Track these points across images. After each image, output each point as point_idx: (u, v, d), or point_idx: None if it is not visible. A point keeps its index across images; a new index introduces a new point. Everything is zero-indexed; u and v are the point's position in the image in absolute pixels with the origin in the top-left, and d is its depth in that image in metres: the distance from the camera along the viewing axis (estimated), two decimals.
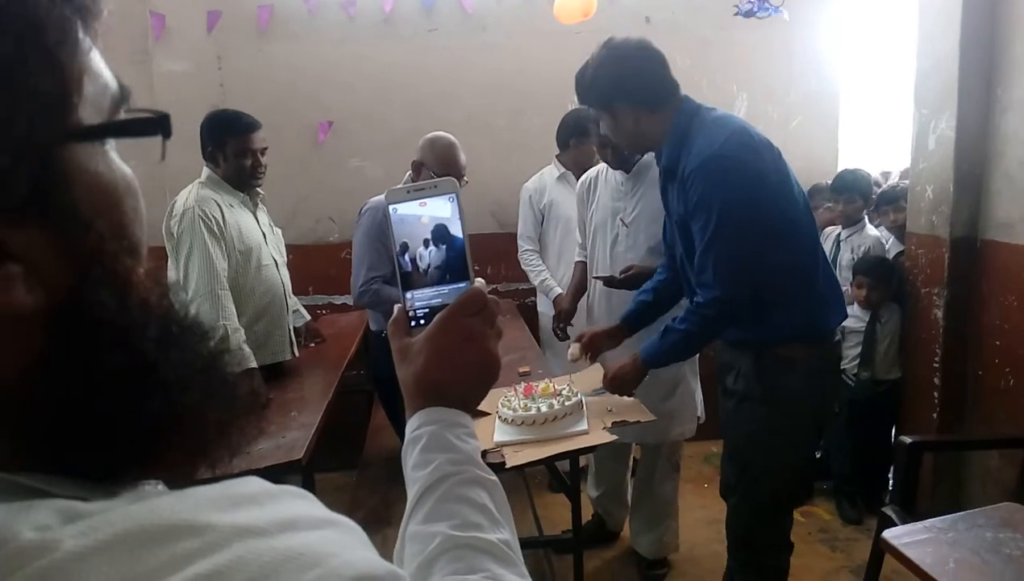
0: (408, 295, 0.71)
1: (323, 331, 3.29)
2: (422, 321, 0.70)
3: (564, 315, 3.09)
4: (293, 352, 2.79)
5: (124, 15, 3.68)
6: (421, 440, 0.64)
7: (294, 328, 2.93)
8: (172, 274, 2.48)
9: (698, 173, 1.89)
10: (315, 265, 3.81)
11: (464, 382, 0.67)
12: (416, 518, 0.60)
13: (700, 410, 2.83)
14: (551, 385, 2.18)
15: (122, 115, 0.41)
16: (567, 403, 2.08)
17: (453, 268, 0.70)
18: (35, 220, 0.35)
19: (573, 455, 2.08)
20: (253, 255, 2.63)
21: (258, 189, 2.76)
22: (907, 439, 2.45)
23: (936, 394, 2.99)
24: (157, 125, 0.42)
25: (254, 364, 2.43)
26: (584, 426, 2.05)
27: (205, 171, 2.64)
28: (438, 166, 2.54)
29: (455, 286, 0.70)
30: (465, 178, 2.56)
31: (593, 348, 2.34)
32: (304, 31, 3.86)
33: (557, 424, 2.04)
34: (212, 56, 3.81)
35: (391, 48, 3.91)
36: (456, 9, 3.93)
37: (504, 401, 2.12)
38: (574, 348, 2.35)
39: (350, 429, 3.28)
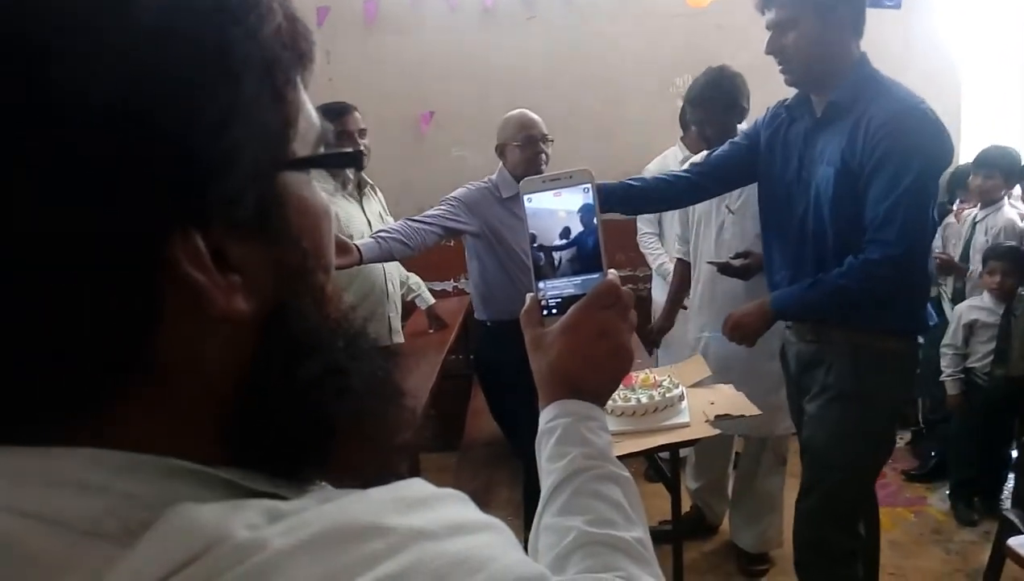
0: (541, 285, 0.71)
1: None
2: (554, 310, 0.71)
3: (659, 332, 2.99)
4: (392, 339, 2.86)
5: None
6: (556, 432, 0.65)
7: (423, 310, 3.00)
8: None
9: (900, 121, 1.78)
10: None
11: (597, 375, 0.68)
12: (551, 510, 0.62)
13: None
14: (651, 375, 2.18)
15: (321, 150, 0.46)
16: (668, 394, 2.07)
17: (586, 259, 0.70)
18: (255, 236, 0.39)
19: (673, 448, 2.08)
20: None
21: (366, 178, 2.85)
22: None
23: None
24: (352, 159, 0.48)
25: None
26: (686, 418, 2.04)
27: None
28: (517, 134, 2.59)
29: (588, 277, 0.70)
30: (551, 138, 2.59)
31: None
32: (408, 24, 3.95)
33: (658, 415, 2.04)
34: (322, 51, 3.91)
35: (491, 38, 3.95)
36: None
37: None
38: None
39: (451, 412, 3.37)
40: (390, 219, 3.01)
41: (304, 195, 0.43)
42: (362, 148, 2.75)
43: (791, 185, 2.00)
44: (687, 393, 2.15)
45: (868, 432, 1.94)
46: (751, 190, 2.56)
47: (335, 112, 2.72)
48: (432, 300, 3.27)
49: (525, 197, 0.71)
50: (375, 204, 2.92)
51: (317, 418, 0.41)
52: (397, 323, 2.90)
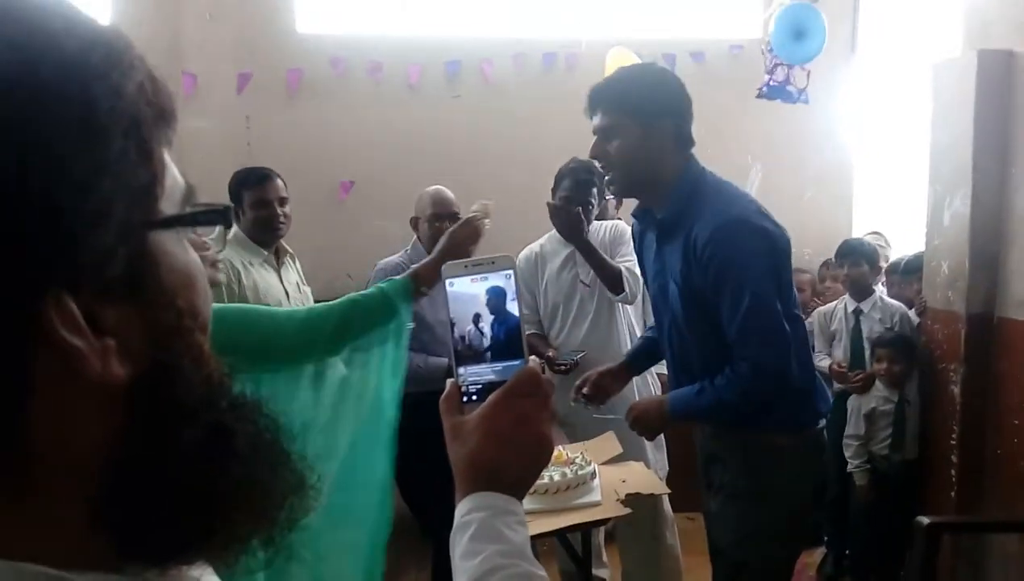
0: (461, 371, 0.71)
1: None
2: (475, 397, 0.70)
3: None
4: None
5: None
6: (471, 527, 0.64)
7: None
8: None
9: (721, 239, 1.73)
10: None
11: (517, 465, 0.67)
12: None
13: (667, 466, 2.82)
14: (564, 453, 2.17)
15: (188, 209, 0.45)
16: (580, 472, 2.07)
17: (507, 346, 0.70)
18: (127, 297, 0.38)
19: (586, 527, 2.06)
20: None
21: (285, 246, 2.80)
22: (925, 520, 2.40)
23: (954, 472, 2.94)
24: (221, 216, 0.47)
25: None
26: (597, 497, 2.04)
27: (233, 229, 2.68)
28: (427, 211, 2.64)
29: (509, 363, 0.70)
30: (460, 214, 2.62)
31: (599, 393, 2.16)
32: (331, 94, 3.98)
33: (570, 494, 2.03)
34: (241, 116, 3.92)
35: (415, 113, 4.01)
36: (478, 77, 4.05)
37: None
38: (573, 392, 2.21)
39: None
40: (307, 289, 2.95)
41: (176, 254, 0.42)
42: (281, 216, 2.71)
43: (656, 295, 2.02)
44: (599, 471, 2.15)
45: (771, 531, 1.88)
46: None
47: (256, 178, 2.68)
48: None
49: (447, 281, 0.71)
50: (292, 273, 2.86)
51: (198, 488, 0.39)
52: None
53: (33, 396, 0.35)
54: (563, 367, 2.71)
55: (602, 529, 2.97)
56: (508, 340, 0.70)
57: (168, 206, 0.42)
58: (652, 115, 1.81)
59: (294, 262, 2.88)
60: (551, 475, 2.04)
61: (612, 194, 1.89)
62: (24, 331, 0.34)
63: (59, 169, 0.35)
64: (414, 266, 1.77)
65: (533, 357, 0.71)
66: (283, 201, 2.71)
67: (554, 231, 2.97)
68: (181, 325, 0.41)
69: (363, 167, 4.00)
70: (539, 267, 2.94)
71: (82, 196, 0.35)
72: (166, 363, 0.40)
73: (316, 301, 2.98)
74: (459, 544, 0.64)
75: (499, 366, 0.70)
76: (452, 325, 0.71)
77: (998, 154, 2.85)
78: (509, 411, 0.67)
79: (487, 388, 0.70)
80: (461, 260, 0.72)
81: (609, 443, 2.41)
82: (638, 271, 2.55)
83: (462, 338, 0.71)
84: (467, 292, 0.71)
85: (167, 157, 0.43)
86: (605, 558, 3.08)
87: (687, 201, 1.82)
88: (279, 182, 2.71)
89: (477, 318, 0.71)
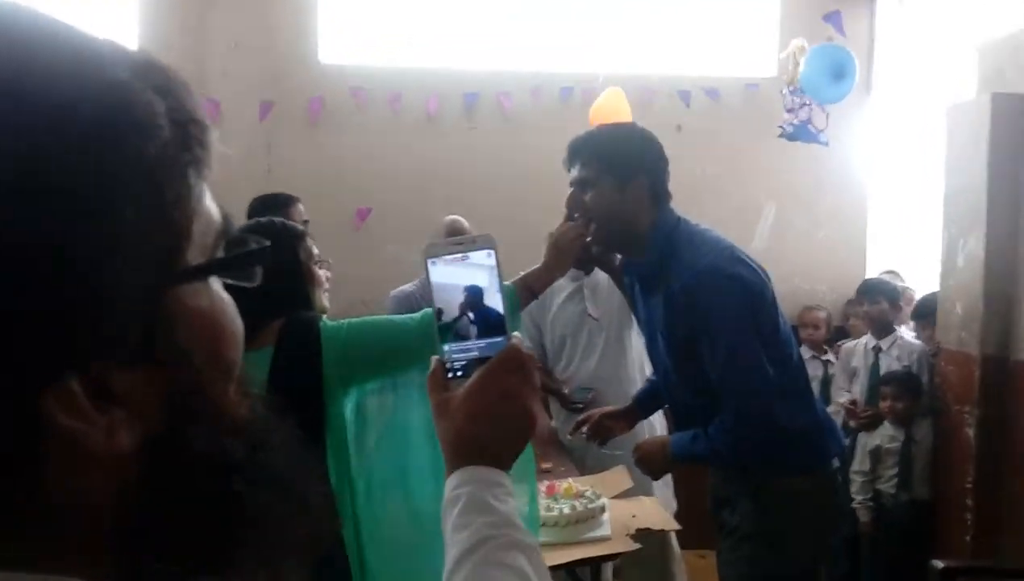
0: (446, 348, 0.72)
1: None
2: (459, 374, 0.71)
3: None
4: None
5: None
6: (460, 500, 0.65)
7: None
8: None
9: (692, 292, 1.74)
10: None
11: (503, 439, 0.69)
12: None
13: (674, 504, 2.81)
14: (574, 486, 2.17)
15: (221, 249, 0.44)
16: (590, 505, 2.06)
17: (491, 323, 0.71)
18: (140, 364, 0.37)
19: (595, 561, 2.05)
20: None
21: None
22: (940, 564, 2.37)
23: (969, 516, 2.90)
24: (255, 259, 0.45)
25: None
26: (607, 531, 2.03)
27: None
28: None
29: (493, 340, 0.71)
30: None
31: (603, 432, 2.15)
32: (351, 123, 4.05)
33: (579, 527, 2.02)
34: (263, 142, 3.99)
35: (432, 142, 4.07)
36: (496, 109, 4.10)
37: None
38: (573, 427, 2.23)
39: None
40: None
41: (199, 302, 0.41)
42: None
43: (650, 345, 2.03)
44: (609, 505, 2.14)
45: (782, 575, 1.86)
46: (612, 298, 2.77)
47: (279, 203, 2.72)
48: None
49: (429, 261, 0.71)
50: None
51: (210, 535, 0.40)
52: None
53: (43, 461, 0.35)
54: (578, 405, 2.71)
55: (611, 564, 2.94)
56: (491, 317, 0.71)
57: (196, 255, 0.40)
58: (628, 171, 1.83)
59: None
60: (561, 508, 2.03)
61: (590, 239, 1.93)
62: (24, 415, 0.34)
63: (62, 262, 0.33)
64: (523, 274, 1.76)
65: (516, 333, 0.72)
66: (305, 224, 2.75)
67: None
68: (199, 380, 0.40)
69: (380, 195, 4.04)
70: (546, 300, 2.95)
71: (87, 284, 0.34)
72: (177, 427, 0.39)
73: None
74: (450, 517, 0.65)
75: (483, 343, 0.71)
76: (434, 303, 0.72)
77: (1012, 196, 2.86)
78: (494, 387, 0.68)
79: (471, 365, 0.71)
80: (443, 240, 0.72)
81: (620, 477, 2.40)
82: None
83: (446, 315, 0.72)
84: (449, 270, 0.71)
85: (203, 201, 0.42)
86: None
87: (662, 252, 1.83)
88: (300, 207, 2.76)
89: (461, 296, 0.71)
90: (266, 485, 0.43)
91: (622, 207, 1.83)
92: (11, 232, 0.32)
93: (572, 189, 1.90)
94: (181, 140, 0.39)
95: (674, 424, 2.05)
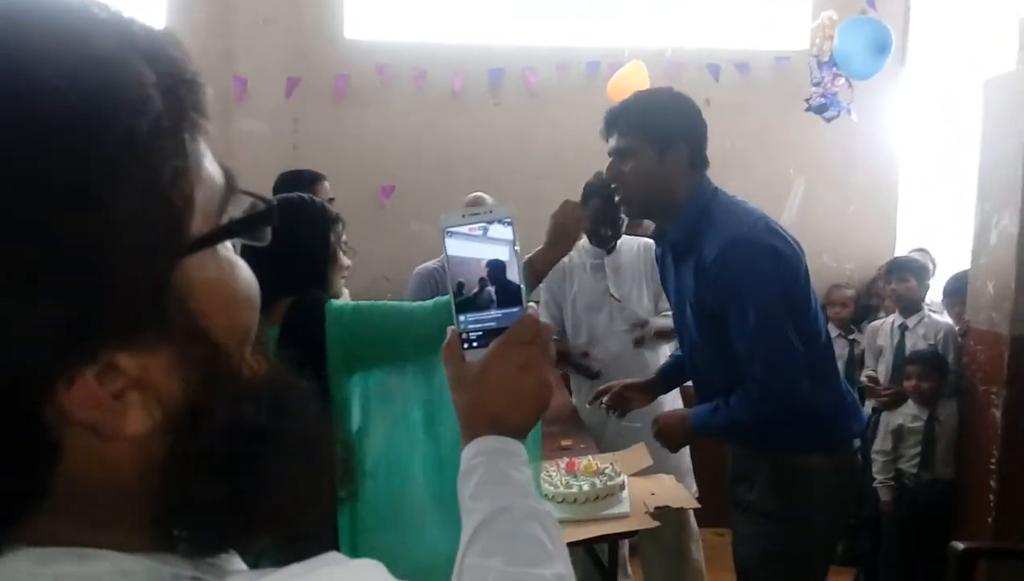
0: (462, 318, 0.72)
1: None
2: (475, 344, 0.72)
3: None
4: None
5: (209, 76, 3.89)
6: (478, 470, 0.67)
7: None
8: None
9: (726, 259, 1.73)
10: None
11: (519, 410, 0.70)
12: (473, 550, 0.63)
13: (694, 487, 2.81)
14: (594, 463, 2.18)
15: (232, 203, 0.43)
16: (609, 483, 2.07)
17: (507, 293, 0.71)
18: (152, 342, 0.37)
19: (613, 539, 2.07)
20: None
21: None
22: (960, 545, 2.36)
23: (992, 497, 2.88)
24: (263, 220, 0.44)
25: None
26: (626, 508, 2.04)
27: None
28: None
29: (509, 310, 0.71)
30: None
31: (622, 403, 2.16)
32: (376, 100, 4.05)
33: (598, 504, 2.03)
34: (289, 119, 4.02)
35: (457, 119, 4.07)
36: (521, 85, 4.08)
37: (545, 476, 2.12)
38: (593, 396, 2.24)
39: None
40: (345, 290, 3.00)
41: (209, 271, 0.40)
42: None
43: (677, 315, 2.03)
44: (628, 482, 2.16)
45: (797, 552, 1.86)
46: (633, 279, 2.82)
47: (307, 180, 2.74)
48: None
49: (445, 229, 0.71)
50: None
51: (237, 498, 0.41)
52: None
53: (62, 452, 0.36)
54: (596, 376, 2.73)
55: (627, 541, 2.97)
56: (507, 287, 0.71)
57: (201, 224, 0.39)
58: (668, 139, 1.82)
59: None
60: (580, 485, 2.05)
61: (625, 214, 1.92)
62: (36, 414, 0.35)
63: (56, 252, 0.33)
64: (527, 255, 1.72)
65: (532, 303, 0.72)
66: (331, 202, 2.77)
67: (584, 241, 2.99)
68: (216, 351, 0.40)
69: (405, 172, 4.06)
70: (567, 278, 2.94)
71: (89, 271, 0.33)
72: (200, 396, 0.40)
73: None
74: (468, 486, 0.67)
75: (499, 313, 0.71)
76: (450, 272, 0.72)
77: None
78: (510, 359, 0.69)
79: (488, 335, 0.71)
80: (459, 209, 0.72)
81: (640, 454, 2.41)
82: None
83: (462, 285, 0.72)
84: (465, 240, 0.71)
85: (203, 166, 0.40)
86: (630, 570, 3.08)
87: (697, 222, 1.82)
88: (326, 184, 2.78)
89: (478, 266, 0.71)
90: (290, 446, 0.44)
91: (661, 175, 1.83)
92: (3, 226, 0.32)
93: (611, 159, 1.89)
94: (175, 108, 0.38)
95: (696, 399, 2.04)
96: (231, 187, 0.42)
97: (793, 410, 1.78)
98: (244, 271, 0.43)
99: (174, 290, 0.37)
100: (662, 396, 2.34)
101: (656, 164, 1.82)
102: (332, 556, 0.42)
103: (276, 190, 2.79)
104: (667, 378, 2.25)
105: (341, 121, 4.05)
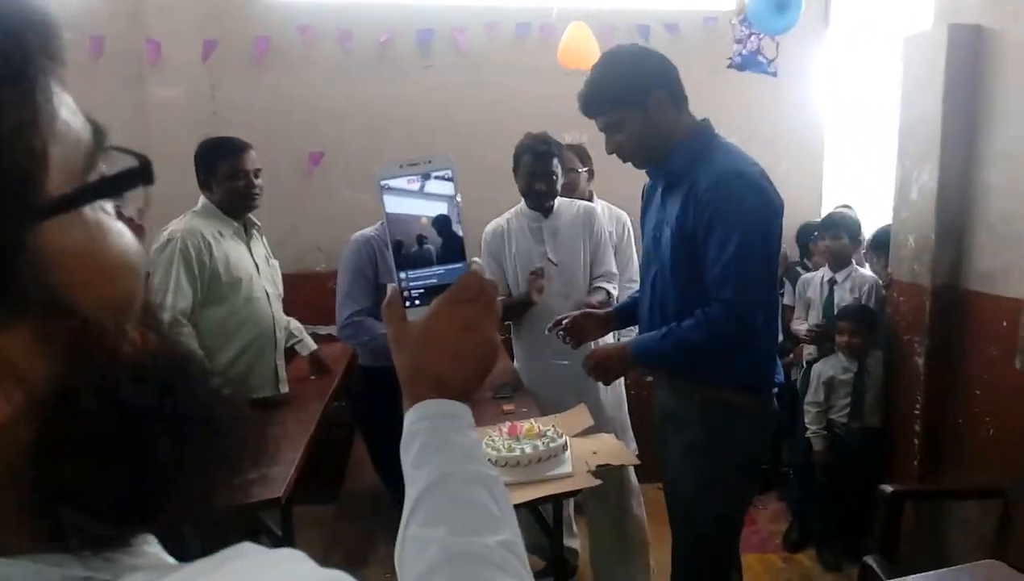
0: (402, 275, 0.69)
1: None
2: (417, 302, 0.68)
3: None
4: (278, 388, 2.73)
5: (118, 40, 3.70)
6: (420, 435, 0.63)
7: (306, 356, 2.95)
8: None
9: (721, 187, 1.84)
10: (301, 295, 3.79)
11: (463, 370, 0.66)
12: (416, 519, 0.60)
13: (634, 444, 2.88)
14: (536, 426, 2.18)
15: (100, 160, 0.38)
16: (552, 444, 2.07)
17: (449, 248, 0.68)
18: (6, 319, 0.33)
19: (557, 498, 2.07)
20: (242, 286, 2.61)
21: (254, 219, 2.75)
22: (888, 488, 2.46)
23: (917, 442, 3.01)
24: (136, 177, 0.39)
25: None
26: (568, 468, 2.05)
27: (201, 200, 2.63)
28: None
29: (451, 267, 0.68)
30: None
31: (578, 333, 2.20)
32: (299, 63, 3.89)
33: (542, 466, 2.03)
34: (206, 84, 3.83)
35: (385, 83, 3.95)
36: (451, 47, 3.99)
37: (488, 441, 2.11)
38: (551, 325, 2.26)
39: (331, 462, 3.24)
40: (275, 262, 2.91)
41: (75, 241, 0.36)
42: (257, 188, 2.65)
43: (650, 245, 2.10)
44: (570, 443, 2.16)
45: (724, 483, 2.00)
46: (570, 242, 2.83)
47: (232, 149, 2.62)
48: (314, 346, 3.16)
49: (382, 183, 0.67)
50: (260, 246, 2.81)
51: (122, 483, 0.37)
52: (284, 372, 2.77)
53: None
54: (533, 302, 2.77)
55: (572, 501, 3.00)
56: (450, 242, 0.68)
57: (61, 182, 0.35)
58: (644, 94, 1.90)
59: (261, 235, 2.83)
60: (523, 447, 2.04)
61: (636, 168, 2.05)
62: None
63: None
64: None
65: (476, 259, 0.69)
66: (257, 173, 2.66)
67: (521, 205, 2.96)
68: (86, 327, 0.36)
69: (332, 138, 3.93)
70: (506, 241, 2.92)
71: None
72: (70, 376, 0.35)
73: (284, 275, 2.95)
74: (410, 452, 0.63)
75: (441, 270, 0.68)
76: (389, 227, 0.68)
77: (966, 128, 2.88)
78: (453, 317, 0.66)
79: (430, 292, 0.68)
80: (396, 161, 0.68)
81: (581, 415, 2.42)
82: (615, 268, 2.89)
83: (402, 241, 0.68)
84: (404, 193, 0.67)
85: (60, 117, 0.36)
86: (575, 529, 3.12)
87: (699, 154, 1.92)
88: (253, 153, 2.66)
89: (418, 220, 0.67)
90: (182, 427, 0.40)
91: (653, 128, 1.93)
92: None
93: (605, 137, 1.98)
94: (16, 52, 0.34)
95: (645, 327, 2.13)
96: (100, 144, 0.38)
97: (744, 337, 1.90)
98: (120, 236, 0.39)
99: (29, 259, 0.33)
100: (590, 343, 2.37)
101: (644, 121, 1.92)
102: (246, 547, 0.38)
103: (198, 158, 2.66)
104: (621, 314, 2.30)
105: (262, 85, 3.87)
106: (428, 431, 0.63)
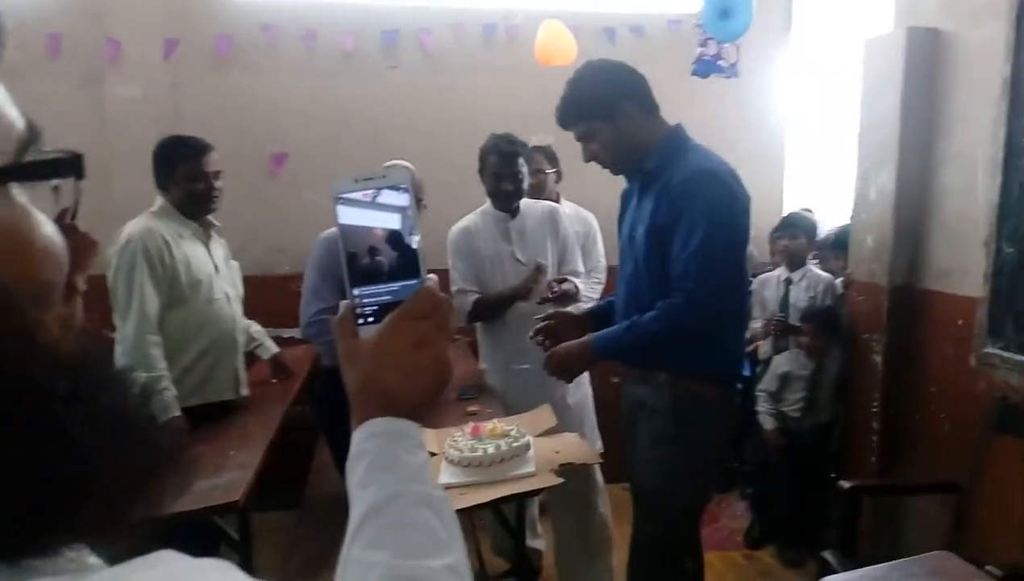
0: (356, 291, 0.67)
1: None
2: (371, 319, 0.67)
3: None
4: (239, 391, 2.70)
5: (77, 38, 3.63)
6: (367, 455, 0.62)
7: (267, 360, 2.90)
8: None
9: (690, 184, 1.93)
10: (264, 297, 3.75)
11: (415, 389, 0.65)
12: (360, 541, 0.58)
13: (599, 444, 2.90)
14: (499, 426, 2.18)
15: (33, 154, 0.38)
16: (515, 444, 2.07)
17: (404, 264, 0.66)
18: None
19: (520, 498, 2.07)
20: (202, 288, 2.56)
21: (212, 220, 2.71)
22: (846, 483, 2.50)
23: (875, 438, 3.06)
24: (66, 167, 0.39)
25: (176, 412, 2.33)
26: (531, 468, 2.05)
27: (158, 200, 2.58)
28: None
29: (406, 283, 0.66)
30: (424, 202, 2.59)
31: (555, 333, 2.19)
32: (263, 62, 3.85)
33: (504, 466, 2.03)
34: (167, 83, 3.77)
35: (350, 83, 3.93)
36: (416, 48, 3.97)
37: (451, 442, 2.10)
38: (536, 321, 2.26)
39: (294, 467, 3.20)
40: (235, 263, 2.87)
41: (1, 213, 0.36)
42: (216, 190, 2.61)
43: (626, 244, 2.17)
44: (534, 443, 2.16)
45: (690, 473, 2.06)
46: (537, 242, 2.86)
47: (193, 150, 2.58)
48: (276, 349, 3.12)
49: (337, 196, 0.66)
50: (219, 247, 2.77)
51: (31, 486, 0.35)
52: (244, 375, 2.74)
53: None
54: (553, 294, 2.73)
55: (536, 501, 3.00)
56: (404, 258, 0.66)
57: None
58: (612, 107, 2.01)
59: (220, 236, 2.79)
60: (485, 448, 2.04)
61: (614, 174, 2.15)
62: None
63: None
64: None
65: (431, 275, 0.67)
66: (218, 174, 2.62)
67: (487, 205, 2.96)
68: (4, 298, 0.35)
69: (296, 139, 3.89)
70: (474, 238, 2.92)
71: None
72: None
73: (246, 277, 2.91)
74: (356, 472, 0.62)
75: (395, 286, 0.67)
76: (344, 242, 0.67)
77: (924, 130, 2.94)
78: (405, 333, 0.64)
79: (383, 309, 0.66)
80: (351, 174, 0.67)
81: (544, 415, 2.42)
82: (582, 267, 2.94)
83: (356, 256, 0.67)
84: (359, 208, 0.66)
85: None
86: (539, 530, 3.12)
87: (673, 155, 2.02)
88: (215, 155, 2.62)
89: (372, 236, 0.66)
90: (100, 424, 0.38)
91: (625, 136, 2.04)
92: None
93: (581, 146, 2.10)
94: None
95: (620, 319, 2.15)
96: (33, 139, 0.38)
97: (707, 328, 1.96)
98: (44, 226, 0.39)
99: None
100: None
101: (615, 131, 2.03)
102: (166, 554, 0.37)
103: (158, 157, 2.61)
104: (596, 317, 2.32)
105: (225, 85, 3.82)
106: (376, 450, 0.62)
